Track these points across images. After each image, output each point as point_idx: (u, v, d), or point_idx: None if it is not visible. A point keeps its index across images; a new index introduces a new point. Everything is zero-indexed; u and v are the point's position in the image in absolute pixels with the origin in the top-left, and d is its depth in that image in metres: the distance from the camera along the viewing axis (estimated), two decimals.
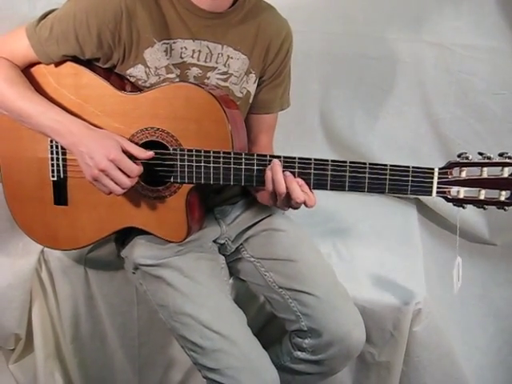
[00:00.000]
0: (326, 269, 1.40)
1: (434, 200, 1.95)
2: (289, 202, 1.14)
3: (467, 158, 1.06)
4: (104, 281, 1.59)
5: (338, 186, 1.13)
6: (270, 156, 1.15)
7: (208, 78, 1.29)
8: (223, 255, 1.44)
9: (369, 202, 1.93)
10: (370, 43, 1.88)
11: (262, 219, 1.43)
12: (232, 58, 1.28)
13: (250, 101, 1.36)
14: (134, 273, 1.39)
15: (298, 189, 1.12)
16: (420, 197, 2.00)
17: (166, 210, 1.26)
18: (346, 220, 1.83)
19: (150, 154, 1.19)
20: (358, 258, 1.63)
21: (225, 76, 1.30)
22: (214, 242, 1.43)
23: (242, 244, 1.43)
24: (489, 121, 1.84)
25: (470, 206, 1.83)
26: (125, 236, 1.40)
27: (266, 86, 1.38)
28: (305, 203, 1.13)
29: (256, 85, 1.34)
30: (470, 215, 1.94)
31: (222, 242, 1.44)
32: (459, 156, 1.06)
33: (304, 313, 1.31)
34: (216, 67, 1.28)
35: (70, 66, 1.28)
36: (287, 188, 1.12)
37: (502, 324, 1.84)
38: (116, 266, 1.54)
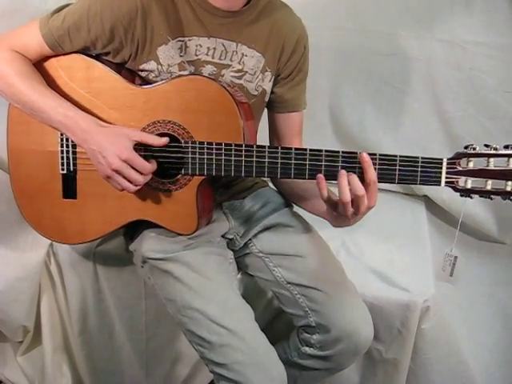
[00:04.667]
0: (335, 265, 1.39)
1: (442, 197, 1.97)
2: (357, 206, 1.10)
3: (474, 149, 1.07)
4: (112, 274, 1.60)
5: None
6: (282, 148, 1.16)
7: (222, 76, 1.29)
8: (231, 250, 1.44)
9: (378, 199, 1.88)
10: (381, 40, 1.88)
11: (271, 214, 1.42)
12: (247, 55, 1.29)
13: (266, 99, 1.35)
14: (142, 266, 1.38)
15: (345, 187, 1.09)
16: (429, 194, 2.01)
17: (176, 203, 1.26)
18: None
19: (164, 140, 1.18)
20: (366, 255, 1.63)
21: (239, 74, 1.30)
22: (223, 236, 1.43)
23: (250, 239, 1.43)
24: (500, 119, 1.83)
25: (478, 205, 1.94)
26: (134, 230, 1.39)
27: (287, 83, 1.37)
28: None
29: (271, 83, 1.34)
30: (479, 213, 1.94)
31: (231, 237, 1.43)
32: (466, 147, 1.08)
33: (312, 309, 1.31)
34: (230, 65, 1.28)
35: (81, 59, 1.28)
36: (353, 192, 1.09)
37: (510, 323, 1.82)
38: (124, 259, 1.53)
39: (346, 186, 1.08)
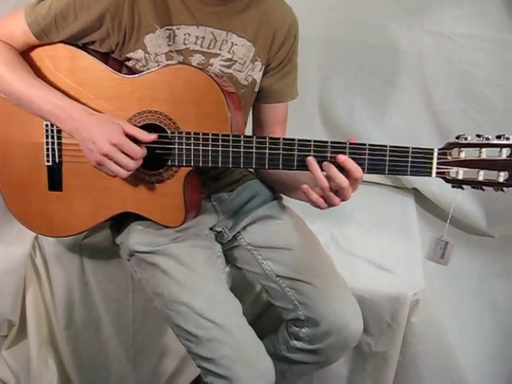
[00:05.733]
0: (324, 258, 1.38)
1: (432, 190, 1.96)
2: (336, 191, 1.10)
3: (466, 139, 1.06)
4: (99, 267, 1.58)
5: (336, 167, 1.12)
6: (270, 138, 1.14)
7: (211, 65, 1.27)
8: (220, 243, 1.42)
9: (366, 191, 1.91)
10: (371, 31, 1.86)
11: (260, 207, 1.41)
12: (236, 44, 1.27)
13: (256, 89, 1.34)
14: (128, 260, 1.37)
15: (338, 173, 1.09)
16: (418, 187, 2.00)
17: (163, 194, 1.25)
18: (343, 209, 1.69)
19: (153, 136, 1.17)
20: (356, 248, 1.63)
21: (228, 63, 1.28)
22: (211, 229, 1.42)
23: (239, 232, 1.41)
24: (490, 112, 1.83)
25: (467, 199, 1.94)
26: (120, 222, 1.38)
27: (276, 73, 1.36)
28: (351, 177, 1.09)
29: (262, 73, 1.33)
30: (468, 207, 1.94)
31: (219, 229, 1.42)
32: (458, 137, 1.07)
33: (301, 302, 1.30)
34: (219, 54, 1.27)
35: (66, 49, 1.26)
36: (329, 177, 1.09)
37: (500, 316, 1.83)
38: (111, 252, 1.52)
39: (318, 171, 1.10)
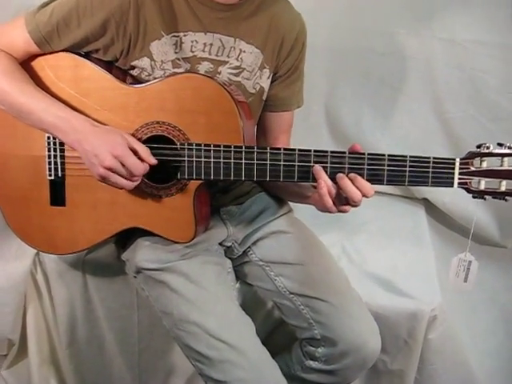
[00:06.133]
0: (339, 273, 1.35)
1: (443, 201, 1.93)
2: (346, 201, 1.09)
3: (488, 148, 1.04)
4: (103, 284, 1.54)
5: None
6: (285, 149, 1.11)
7: (219, 73, 1.24)
8: (229, 258, 1.38)
9: (376, 202, 1.79)
10: (379, 38, 1.83)
11: (271, 221, 1.38)
12: (245, 51, 1.24)
13: (264, 97, 1.31)
14: (135, 277, 1.33)
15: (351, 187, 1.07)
16: (429, 197, 1.97)
17: (172, 209, 1.22)
18: (353, 221, 1.76)
19: (154, 161, 1.14)
20: (368, 262, 1.59)
21: (237, 70, 1.25)
22: (220, 244, 1.38)
23: (249, 247, 1.38)
24: (502, 120, 1.80)
25: (480, 208, 1.89)
26: (126, 238, 1.34)
27: (282, 81, 1.33)
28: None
29: (270, 80, 1.30)
30: (481, 217, 1.90)
31: (229, 244, 1.39)
32: (479, 147, 1.05)
33: (317, 320, 1.26)
34: (228, 61, 1.24)
35: (69, 57, 1.22)
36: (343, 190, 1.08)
37: None
38: (115, 268, 1.48)
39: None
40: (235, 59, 1.24)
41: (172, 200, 1.21)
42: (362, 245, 1.67)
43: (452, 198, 1.88)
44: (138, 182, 1.13)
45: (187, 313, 1.21)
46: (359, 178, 1.07)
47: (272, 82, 1.32)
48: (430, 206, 1.98)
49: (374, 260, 1.59)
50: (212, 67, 1.23)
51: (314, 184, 1.11)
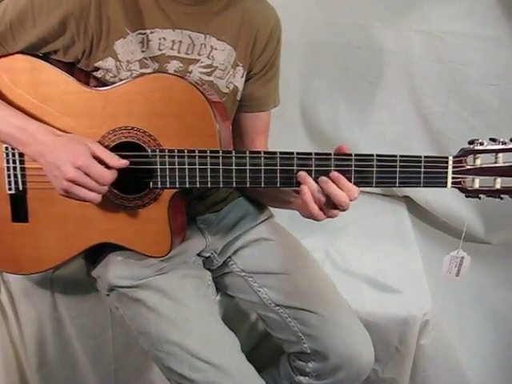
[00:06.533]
0: (326, 281, 1.29)
1: (426, 199, 1.92)
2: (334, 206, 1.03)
3: (481, 144, 1.00)
4: (73, 301, 1.46)
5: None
6: (265, 153, 1.04)
7: (190, 72, 1.18)
8: (209, 270, 1.31)
9: (356, 202, 1.79)
10: (354, 32, 1.81)
11: (251, 228, 1.32)
12: (216, 49, 1.18)
13: (238, 97, 1.25)
14: (108, 295, 1.25)
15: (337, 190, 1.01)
16: (411, 195, 1.96)
17: (146, 221, 1.14)
18: (334, 223, 1.61)
19: (124, 162, 1.05)
20: (354, 266, 1.54)
21: (209, 69, 1.18)
22: (198, 255, 1.31)
23: (229, 257, 1.31)
24: (484, 114, 1.78)
25: (463, 204, 1.88)
26: (96, 253, 1.26)
27: (258, 80, 1.27)
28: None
29: (244, 79, 1.24)
30: (464, 213, 1.89)
31: (208, 254, 1.32)
32: (471, 143, 1.00)
33: (306, 333, 1.20)
34: (199, 60, 1.17)
35: (26, 60, 1.13)
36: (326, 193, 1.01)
37: (502, 327, 1.78)
38: (86, 284, 1.40)
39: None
40: (206, 57, 1.18)
41: (145, 211, 1.13)
42: (346, 248, 1.63)
43: (435, 195, 1.87)
44: (104, 191, 1.05)
45: (166, 332, 1.14)
46: (342, 177, 1.00)
47: (246, 81, 1.26)
48: (411, 204, 1.97)
49: (360, 263, 1.55)
50: (182, 66, 1.16)
51: (297, 189, 1.05)
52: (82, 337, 1.50)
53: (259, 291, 1.27)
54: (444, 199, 1.84)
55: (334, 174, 1.00)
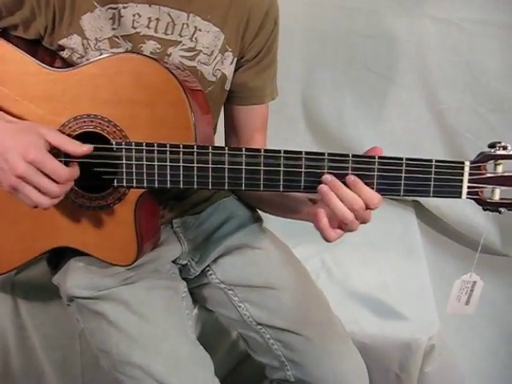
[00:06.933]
0: (318, 298, 1.17)
1: (436, 204, 1.84)
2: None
3: (504, 148, 0.88)
4: (37, 308, 1.38)
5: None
6: (247, 149, 0.93)
7: (169, 55, 1.06)
8: (185, 280, 1.20)
9: None
10: (363, 18, 1.75)
11: (235, 233, 1.20)
12: (201, 30, 1.06)
13: (227, 87, 1.14)
14: (68, 305, 1.15)
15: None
16: (420, 200, 1.86)
17: (109, 224, 1.03)
18: None
19: (87, 148, 0.93)
20: (352, 279, 1.44)
21: (191, 53, 1.07)
22: (174, 262, 1.20)
23: (209, 266, 1.19)
24: (504, 111, 1.71)
25: (478, 212, 1.76)
26: (59, 257, 1.15)
27: (252, 68, 1.16)
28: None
29: (233, 66, 1.13)
30: (479, 221, 1.80)
31: (184, 262, 1.20)
32: (492, 146, 0.89)
33: (290, 359, 1.09)
34: (180, 41, 1.06)
35: None
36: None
37: None
38: (51, 290, 1.26)
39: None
40: (189, 39, 1.06)
41: (108, 213, 1.03)
42: (345, 258, 1.53)
43: (447, 200, 1.71)
44: (61, 194, 0.93)
45: (128, 353, 1.03)
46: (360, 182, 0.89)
47: (238, 69, 1.15)
48: (420, 209, 1.88)
49: (359, 276, 1.45)
50: (159, 48, 1.05)
51: (312, 197, 0.95)
52: (48, 347, 1.41)
53: (239, 307, 1.15)
54: (457, 205, 1.77)
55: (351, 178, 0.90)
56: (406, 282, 1.43)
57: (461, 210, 1.78)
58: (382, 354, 1.25)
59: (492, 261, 1.80)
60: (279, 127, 1.81)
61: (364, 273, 1.46)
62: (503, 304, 1.76)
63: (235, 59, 1.12)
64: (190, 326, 1.13)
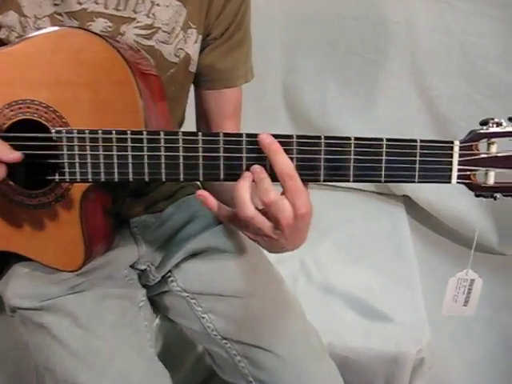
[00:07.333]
0: (292, 308, 1.06)
1: (428, 199, 1.79)
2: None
3: (499, 124, 0.79)
4: None
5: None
6: (204, 134, 0.83)
7: (122, 34, 0.97)
8: (145, 287, 1.10)
9: (345, 200, 1.74)
10: None
11: (199, 234, 1.09)
12: (159, 4, 0.98)
13: (192, 69, 1.05)
14: (12, 316, 1.05)
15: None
16: (410, 194, 1.83)
17: (53, 224, 0.94)
18: (315, 226, 1.51)
19: (15, 156, 0.84)
20: (334, 282, 1.36)
21: (148, 31, 0.98)
22: (132, 267, 1.10)
23: (170, 271, 1.09)
24: (501, 97, 1.64)
25: (473, 208, 1.72)
26: (3, 262, 1.05)
27: (220, 46, 1.07)
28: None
29: (199, 45, 1.04)
30: (473, 218, 1.75)
31: (143, 267, 1.10)
32: (485, 123, 0.80)
33: (258, 379, 0.98)
34: (134, 18, 0.97)
35: None
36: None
37: None
38: None
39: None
40: (145, 15, 0.97)
41: (51, 212, 0.93)
42: (326, 258, 1.44)
43: (439, 195, 1.75)
44: None
45: (74, 372, 0.93)
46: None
47: (205, 48, 1.06)
48: (411, 205, 1.83)
49: (341, 279, 1.38)
50: (111, 26, 0.96)
51: None
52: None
53: (203, 318, 1.04)
54: (451, 200, 1.72)
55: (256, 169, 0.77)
56: (394, 285, 1.36)
57: (454, 205, 1.73)
58: (366, 369, 1.18)
59: (488, 260, 1.74)
60: (258, 117, 1.75)
61: (347, 275, 1.39)
62: (500, 306, 1.69)
63: (200, 37, 1.02)
64: (147, 339, 1.02)
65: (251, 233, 0.78)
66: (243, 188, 0.74)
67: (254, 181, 0.75)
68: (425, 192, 1.79)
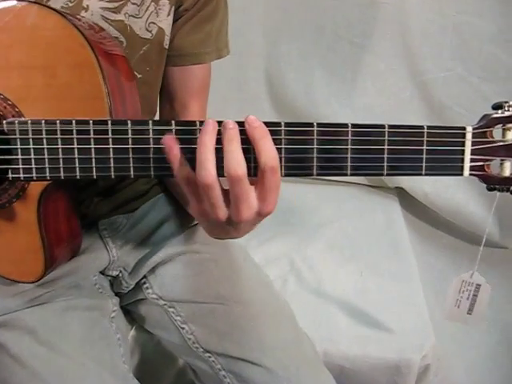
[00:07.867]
0: (282, 314, 0.98)
1: (424, 191, 1.72)
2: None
3: None
4: None
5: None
6: (177, 123, 0.74)
7: (86, 9, 0.89)
8: (117, 295, 1.01)
9: (336, 194, 1.67)
10: None
11: (175, 236, 1.02)
12: None
13: (166, 45, 0.97)
14: None
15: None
16: (405, 186, 1.77)
17: (8, 229, 0.85)
18: (306, 222, 1.51)
19: None
20: (327, 284, 1.27)
21: (116, 4, 0.89)
22: (102, 274, 1.00)
23: (145, 277, 1.00)
24: (500, 80, 1.57)
25: (473, 200, 1.64)
26: None
27: (190, 19, 0.99)
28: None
29: (171, 18, 0.96)
30: (474, 210, 1.69)
31: (115, 273, 1.01)
32: (498, 107, 0.71)
33: None
34: None
35: None
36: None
37: None
38: None
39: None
40: None
41: (6, 214, 0.85)
42: (318, 258, 1.36)
43: (435, 186, 1.68)
44: None
45: None
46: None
47: (176, 21, 0.99)
48: (405, 197, 1.75)
49: (335, 281, 1.29)
50: (72, 0, 0.87)
51: None
52: None
53: (183, 328, 0.95)
54: (448, 191, 1.66)
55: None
56: (392, 285, 1.27)
57: (451, 196, 1.67)
58: (365, 379, 1.09)
59: (490, 254, 1.55)
60: (240, 107, 1.75)
61: (341, 276, 1.32)
62: (504, 303, 1.60)
63: (173, 8, 0.94)
64: (121, 354, 0.93)
65: (203, 209, 0.66)
66: (205, 144, 0.63)
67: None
68: (420, 183, 1.72)
